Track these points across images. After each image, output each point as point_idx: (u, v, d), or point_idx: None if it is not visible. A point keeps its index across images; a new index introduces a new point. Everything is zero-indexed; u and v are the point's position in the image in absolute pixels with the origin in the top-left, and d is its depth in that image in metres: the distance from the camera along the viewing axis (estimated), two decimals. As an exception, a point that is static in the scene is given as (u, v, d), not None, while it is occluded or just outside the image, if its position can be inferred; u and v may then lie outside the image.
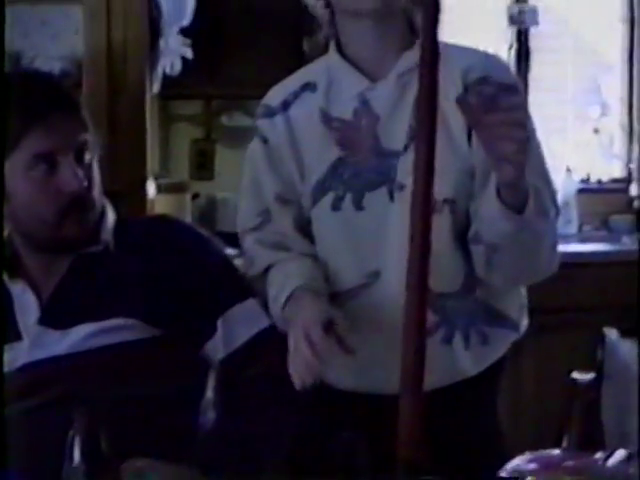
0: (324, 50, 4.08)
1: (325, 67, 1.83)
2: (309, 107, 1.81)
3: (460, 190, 1.73)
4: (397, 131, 1.74)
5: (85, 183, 1.70)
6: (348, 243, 1.79)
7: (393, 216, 1.72)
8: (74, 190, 1.68)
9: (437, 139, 1.66)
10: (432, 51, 1.15)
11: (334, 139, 1.79)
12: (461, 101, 1.52)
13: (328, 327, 1.59)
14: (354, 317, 1.73)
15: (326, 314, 1.63)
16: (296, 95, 1.83)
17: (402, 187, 1.71)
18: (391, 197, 1.75)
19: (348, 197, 1.77)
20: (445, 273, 1.72)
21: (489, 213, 1.63)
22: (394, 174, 1.74)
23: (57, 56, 3.45)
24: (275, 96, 1.86)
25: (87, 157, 1.72)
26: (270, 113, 1.84)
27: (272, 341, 1.77)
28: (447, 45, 1.78)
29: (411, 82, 1.68)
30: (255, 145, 1.86)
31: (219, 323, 1.76)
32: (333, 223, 1.80)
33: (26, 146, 1.66)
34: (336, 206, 1.78)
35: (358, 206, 1.77)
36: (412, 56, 1.67)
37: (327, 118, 1.80)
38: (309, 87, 1.83)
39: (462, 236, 1.74)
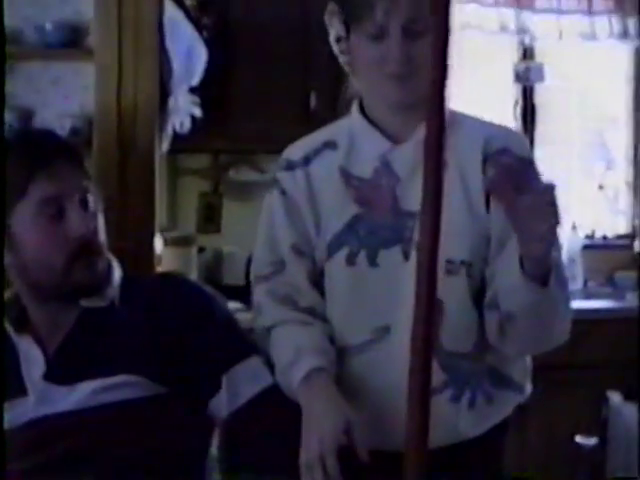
0: (330, 108, 4.14)
1: (347, 128, 1.88)
2: (329, 164, 1.85)
3: (476, 253, 1.77)
4: (416, 193, 1.73)
5: (92, 227, 1.74)
6: (359, 298, 1.81)
7: (406, 274, 1.72)
8: (82, 234, 1.71)
9: (457, 203, 1.75)
10: (439, 124, 1.17)
11: (352, 196, 1.83)
12: (493, 186, 1.57)
13: (344, 450, 1.60)
14: (362, 371, 1.78)
15: (343, 421, 1.62)
16: (317, 152, 1.87)
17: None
18: (405, 256, 1.77)
19: (363, 253, 1.80)
20: (459, 333, 1.76)
21: (510, 283, 1.66)
22: (410, 234, 1.77)
23: (68, 113, 3.48)
24: (296, 151, 1.90)
25: (91, 206, 1.75)
26: (291, 166, 1.88)
27: (276, 399, 1.78)
28: (467, 116, 1.86)
29: None
30: (274, 196, 1.89)
31: (223, 381, 1.76)
32: (346, 277, 1.82)
33: (32, 193, 1.70)
34: (350, 261, 1.81)
35: (372, 262, 1.79)
36: None
37: (347, 176, 1.84)
38: (330, 145, 1.87)
39: (478, 298, 1.77)
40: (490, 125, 1.88)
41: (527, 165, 1.76)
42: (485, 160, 1.76)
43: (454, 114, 1.80)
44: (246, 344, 1.84)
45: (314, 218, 1.85)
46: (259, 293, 1.90)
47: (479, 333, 1.79)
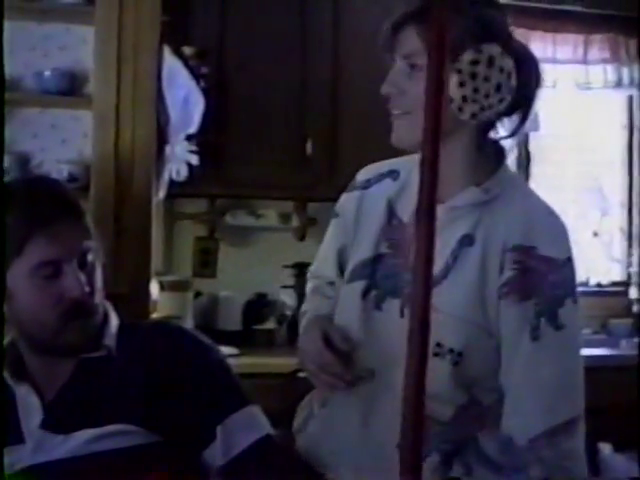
0: (327, 154, 4.17)
1: (411, 163, 1.84)
2: (383, 193, 1.86)
3: (472, 345, 1.68)
4: None
5: (87, 289, 1.72)
6: (361, 332, 1.80)
7: (398, 330, 1.70)
8: (76, 296, 1.70)
9: (469, 286, 1.68)
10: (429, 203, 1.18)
11: (387, 233, 1.82)
12: (504, 290, 1.64)
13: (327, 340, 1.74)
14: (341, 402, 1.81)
15: (321, 337, 1.75)
16: (380, 178, 1.89)
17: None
18: (401, 313, 1.75)
19: (373, 293, 1.80)
20: (436, 403, 1.68)
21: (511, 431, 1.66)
22: (408, 292, 1.74)
23: (65, 159, 3.51)
24: (364, 173, 1.94)
25: (90, 262, 1.74)
26: (352, 188, 1.93)
27: (271, 449, 1.78)
28: (518, 193, 1.77)
29: (461, 218, 1.70)
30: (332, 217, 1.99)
31: (218, 430, 1.76)
32: (357, 308, 1.81)
33: (30, 253, 1.69)
34: (364, 296, 1.81)
35: (378, 306, 1.79)
36: (473, 195, 1.70)
37: (391, 212, 1.83)
38: (393, 175, 1.88)
39: (468, 383, 1.71)
40: (534, 211, 1.74)
41: (550, 268, 1.65)
42: (511, 250, 1.68)
43: (512, 186, 1.75)
44: (241, 394, 1.84)
45: (354, 238, 1.88)
46: (307, 288, 2.06)
47: (457, 407, 1.72)
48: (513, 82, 1.67)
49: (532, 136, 4.77)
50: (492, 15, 1.69)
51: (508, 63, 1.66)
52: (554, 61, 4.77)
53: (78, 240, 1.73)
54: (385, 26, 1.73)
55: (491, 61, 1.65)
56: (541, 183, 4.68)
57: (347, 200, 1.93)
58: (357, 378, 1.74)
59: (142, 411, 1.73)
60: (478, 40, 1.63)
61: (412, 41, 1.69)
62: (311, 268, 2.08)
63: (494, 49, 1.65)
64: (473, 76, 1.64)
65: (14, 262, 1.69)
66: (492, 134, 1.77)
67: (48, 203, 1.73)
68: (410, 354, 1.36)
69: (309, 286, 2.06)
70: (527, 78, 1.71)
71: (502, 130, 1.78)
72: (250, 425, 1.80)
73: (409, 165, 1.84)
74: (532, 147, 4.83)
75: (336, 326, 1.81)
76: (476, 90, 1.64)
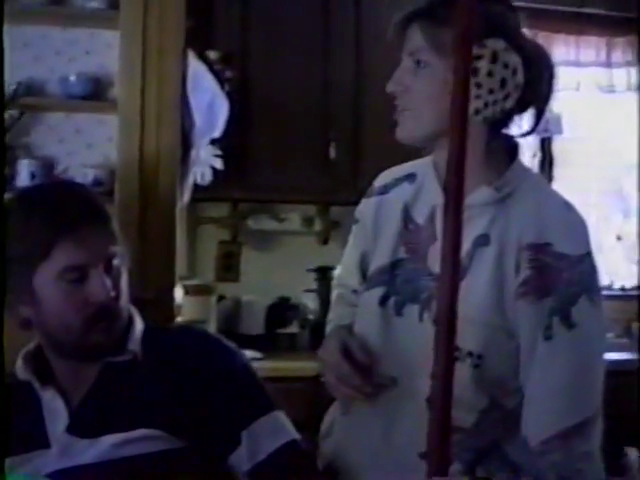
0: (350, 158, 4.17)
1: (425, 165, 1.82)
2: (401, 197, 1.84)
3: (492, 346, 1.66)
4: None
5: (113, 293, 1.73)
6: (383, 340, 1.78)
7: (418, 335, 1.71)
8: (102, 301, 1.71)
9: (485, 286, 1.65)
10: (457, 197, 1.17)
11: (404, 238, 1.80)
12: (521, 290, 1.59)
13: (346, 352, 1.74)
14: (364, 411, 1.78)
15: (339, 347, 1.75)
16: (397, 182, 1.88)
17: (430, 310, 1.70)
18: (420, 317, 1.73)
19: (393, 299, 1.78)
20: (456, 408, 1.58)
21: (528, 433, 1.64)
22: (426, 296, 1.73)
23: (90, 164, 3.53)
24: (382, 178, 1.92)
25: (116, 267, 1.75)
26: (370, 194, 1.92)
27: (296, 454, 1.78)
28: (533, 188, 1.73)
29: (475, 218, 1.66)
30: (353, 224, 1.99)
31: (243, 435, 1.76)
32: (377, 315, 1.79)
33: (56, 258, 1.69)
34: (382, 303, 1.79)
35: (398, 312, 1.76)
36: (485, 194, 1.68)
37: (407, 216, 1.81)
38: (410, 178, 1.86)
39: (490, 385, 1.68)
40: (549, 207, 1.70)
41: (566, 265, 1.61)
42: (526, 248, 1.64)
43: (525, 183, 1.72)
44: (267, 399, 1.84)
45: (373, 245, 1.87)
46: (333, 296, 2.06)
47: (483, 415, 1.69)
48: (520, 78, 1.64)
49: (555, 139, 4.76)
50: (498, 11, 1.66)
51: (514, 59, 1.63)
52: (577, 64, 4.76)
53: (104, 245, 1.74)
54: (392, 23, 1.73)
55: (495, 56, 1.63)
56: (564, 186, 4.66)
57: (366, 206, 1.92)
58: (378, 387, 1.73)
59: (167, 416, 1.73)
60: (482, 35, 1.61)
61: (417, 38, 1.68)
62: (336, 275, 2.08)
63: (498, 44, 1.63)
64: (475, 71, 1.62)
65: (41, 266, 1.70)
66: (505, 132, 1.74)
67: (75, 208, 1.73)
68: (436, 357, 1.37)
69: (334, 294, 2.05)
70: (537, 75, 1.68)
71: (518, 128, 1.75)
72: (276, 430, 1.79)
73: (424, 168, 1.82)
74: (555, 150, 4.81)
75: (356, 337, 1.80)
76: (479, 85, 1.62)
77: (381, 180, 1.92)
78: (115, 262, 1.75)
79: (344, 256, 2.02)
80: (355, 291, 1.95)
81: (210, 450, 1.75)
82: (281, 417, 1.82)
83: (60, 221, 1.70)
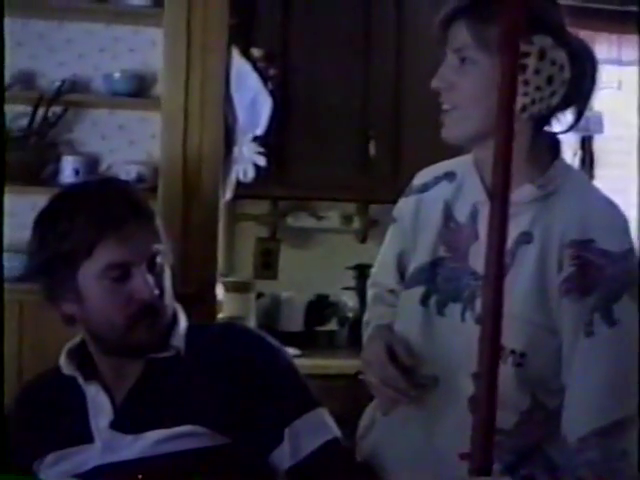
0: (390, 156, 4.16)
1: (466, 163, 1.82)
2: (441, 196, 1.83)
3: (535, 344, 1.65)
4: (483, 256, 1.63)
5: (156, 291, 1.73)
6: (424, 340, 1.77)
7: (460, 335, 1.70)
8: (145, 298, 1.71)
9: (527, 283, 1.64)
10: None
11: (445, 236, 1.79)
12: (565, 286, 1.59)
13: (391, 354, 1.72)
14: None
15: (385, 349, 1.73)
16: (437, 181, 1.87)
17: (473, 309, 1.70)
18: (462, 317, 1.72)
19: (434, 298, 1.77)
20: (499, 412, 1.56)
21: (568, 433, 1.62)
22: (468, 294, 1.72)
23: (133, 160, 3.55)
24: (421, 177, 1.92)
25: (159, 264, 1.75)
26: (409, 192, 1.92)
27: (338, 452, 1.79)
28: (575, 187, 1.72)
29: (518, 215, 1.63)
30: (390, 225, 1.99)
31: (286, 433, 1.76)
32: (418, 315, 1.79)
33: (99, 256, 1.70)
34: (424, 302, 1.78)
35: (440, 311, 1.76)
36: (528, 191, 1.67)
37: (448, 214, 1.80)
38: (449, 176, 1.85)
39: (534, 385, 1.67)
40: (591, 204, 1.70)
41: (609, 261, 1.60)
42: (569, 245, 1.63)
43: (567, 180, 1.71)
44: (310, 396, 1.84)
45: (412, 243, 1.86)
46: (368, 296, 2.04)
47: (525, 415, 1.68)
48: (566, 75, 1.63)
49: (596, 138, 4.73)
50: (544, 6, 1.65)
51: (560, 55, 1.62)
52: (619, 62, 4.72)
53: (148, 243, 1.74)
54: (436, 20, 1.71)
55: (542, 53, 1.61)
56: (605, 186, 4.59)
57: (405, 205, 1.92)
58: (420, 387, 1.71)
59: (211, 413, 1.74)
60: (529, 32, 1.58)
61: (462, 35, 1.67)
62: (371, 276, 2.06)
63: (546, 41, 1.62)
64: (523, 68, 1.60)
65: (84, 264, 1.71)
66: (547, 129, 1.73)
67: (118, 205, 1.74)
68: (480, 357, 1.37)
69: (370, 294, 2.04)
70: (581, 71, 1.67)
71: (558, 126, 1.74)
72: (318, 428, 1.80)
73: (465, 166, 1.81)
74: (596, 149, 4.78)
75: (400, 338, 1.78)
76: (526, 82, 1.61)
77: (420, 179, 1.92)
78: (158, 260, 1.75)
79: (380, 255, 2.01)
80: (392, 290, 1.94)
81: (253, 447, 1.76)
82: (324, 414, 1.83)
83: (103, 219, 1.71)
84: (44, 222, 1.77)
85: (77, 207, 1.73)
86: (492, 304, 1.36)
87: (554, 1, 1.70)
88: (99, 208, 1.73)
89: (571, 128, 1.74)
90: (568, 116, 1.72)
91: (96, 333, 1.77)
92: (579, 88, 1.68)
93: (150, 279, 1.72)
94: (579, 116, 1.72)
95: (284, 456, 1.77)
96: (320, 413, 1.82)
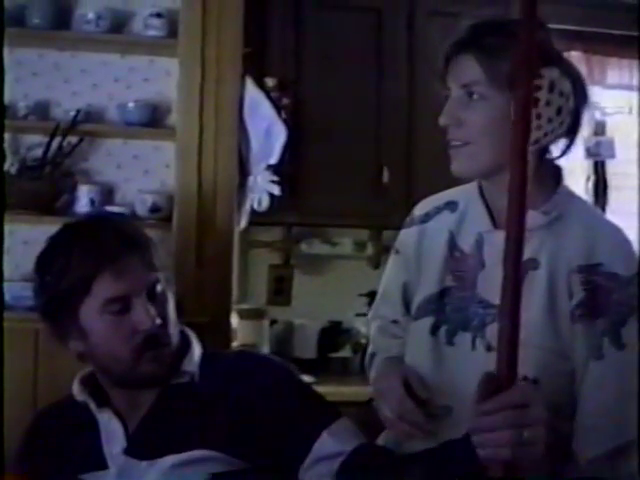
0: (403, 183, 4.16)
1: (469, 191, 1.83)
2: (443, 225, 1.84)
3: (548, 369, 1.65)
4: (495, 285, 1.57)
5: (158, 321, 1.73)
6: (435, 370, 1.78)
7: (471, 363, 1.70)
8: (147, 329, 1.71)
9: (538, 310, 1.65)
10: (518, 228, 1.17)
11: (451, 266, 1.80)
12: (577, 311, 1.61)
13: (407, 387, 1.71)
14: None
15: (401, 384, 1.72)
16: (438, 210, 1.87)
17: (483, 337, 1.71)
18: (473, 345, 1.73)
19: (444, 328, 1.77)
20: None
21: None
22: (478, 323, 1.73)
23: (148, 190, 3.58)
24: (422, 207, 1.92)
25: (159, 293, 1.76)
26: (410, 223, 1.91)
27: (371, 451, 1.76)
28: (581, 212, 1.74)
29: (526, 241, 1.55)
30: (391, 255, 1.98)
31: (315, 446, 1.72)
32: (428, 345, 1.79)
33: (97, 291, 1.70)
34: (433, 332, 1.78)
35: (450, 341, 1.76)
36: (534, 218, 1.65)
37: (452, 244, 1.81)
38: (451, 206, 1.85)
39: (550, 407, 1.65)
40: (597, 228, 1.72)
41: (617, 285, 1.62)
42: (577, 270, 1.65)
43: (571, 206, 1.72)
44: (331, 407, 1.82)
45: (417, 274, 1.86)
46: (372, 329, 2.03)
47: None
48: (571, 104, 1.65)
49: (608, 163, 4.73)
50: (544, 38, 1.65)
51: (567, 86, 1.64)
52: (630, 87, 4.73)
53: (144, 273, 1.74)
54: (439, 54, 1.73)
55: (552, 85, 1.63)
56: (618, 209, 4.63)
57: (407, 236, 1.91)
58: (435, 419, 1.71)
59: (226, 438, 1.74)
60: (537, 65, 1.57)
61: (472, 70, 1.68)
62: (372, 309, 2.05)
63: (554, 73, 1.63)
64: (535, 102, 1.60)
65: (84, 301, 1.71)
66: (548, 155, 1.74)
67: (112, 240, 1.74)
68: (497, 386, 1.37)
69: (373, 327, 2.02)
70: (582, 98, 1.69)
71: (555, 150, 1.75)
72: (342, 438, 1.75)
73: (467, 195, 1.82)
74: (608, 174, 4.78)
75: (414, 371, 1.77)
76: (539, 116, 1.62)
77: (421, 209, 1.92)
78: (158, 288, 1.75)
79: (382, 288, 2.00)
80: (395, 321, 1.94)
81: (276, 468, 1.73)
82: (349, 423, 1.80)
83: (98, 255, 1.71)
84: (42, 263, 1.78)
85: (71, 246, 1.75)
86: (509, 333, 1.36)
87: (546, 29, 1.70)
88: (92, 244, 1.73)
89: (564, 154, 1.74)
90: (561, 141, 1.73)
91: (103, 368, 1.77)
92: (579, 113, 1.70)
93: (151, 309, 1.72)
94: (573, 139, 1.73)
95: (322, 470, 1.72)
96: (343, 423, 1.78)
